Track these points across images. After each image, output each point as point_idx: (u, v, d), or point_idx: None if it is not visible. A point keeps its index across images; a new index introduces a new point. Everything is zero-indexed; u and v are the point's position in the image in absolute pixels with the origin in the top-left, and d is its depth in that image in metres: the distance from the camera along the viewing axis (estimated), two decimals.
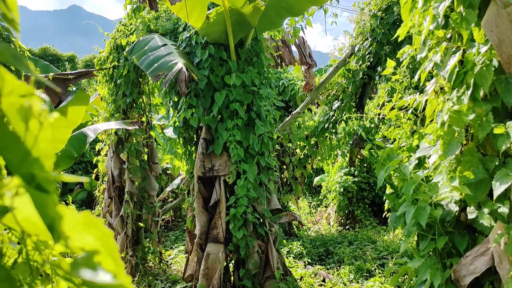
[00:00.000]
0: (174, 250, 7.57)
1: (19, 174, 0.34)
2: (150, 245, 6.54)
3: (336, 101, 6.79)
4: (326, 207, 12.80)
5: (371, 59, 6.02)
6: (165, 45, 4.35)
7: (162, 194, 8.65)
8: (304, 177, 7.79)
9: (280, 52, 6.26)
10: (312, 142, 7.48)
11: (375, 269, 5.65)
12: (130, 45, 5.12)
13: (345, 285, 5.24)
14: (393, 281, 2.59)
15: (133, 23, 5.75)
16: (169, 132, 10.16)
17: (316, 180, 11.88)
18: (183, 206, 10.97)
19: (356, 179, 11.09)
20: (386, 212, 9.71)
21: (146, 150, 6.63)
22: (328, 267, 6.09)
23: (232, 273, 4.56)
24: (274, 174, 4.81)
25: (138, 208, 6.48)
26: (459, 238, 1.87)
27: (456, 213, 1.92)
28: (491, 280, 1.84)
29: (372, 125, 9.08)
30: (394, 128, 2.57)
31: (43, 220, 0.34)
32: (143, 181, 6.49)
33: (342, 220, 10.79)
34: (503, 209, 1.61)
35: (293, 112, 7.13)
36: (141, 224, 6.36)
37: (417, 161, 2.03)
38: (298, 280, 5.41)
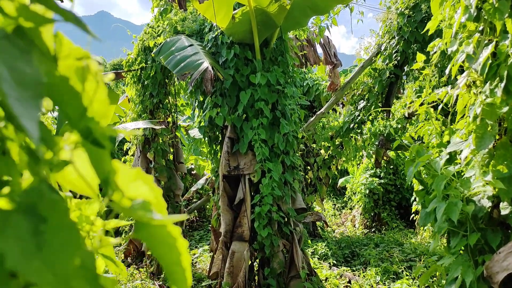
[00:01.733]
0: (199, 249, 7.64)
1: (77, 129, 0.37)
2: None
3: (362, 100, 6.71)
4: (351, 209, 12.64)
5: (398, 58, 5.92)
6: (191, 45, 4.42)
7: (187, 194, 8.77)
8: (329, 178, 7.73)
9: (305, 51, 6.24)
10: (337, 143, 7.42)
11: (402, 271, 5.54)
12: (157, 46, 5.23)
13: (372, 287, 5.16)
14: (422, 280, 2.54)
15: (160, 25, 5.87)
16: (194, 133, 10.29)
17: (340, 181, 11.75)
18: (208, 206, 11.07)
19: (382, 181, 10.90)
20: (413, 215, 9.53)
21: (171, 150, 6.75)
22: (354, 269, 6.02)
23: (257, 272, 4.56)
24: (299, 173, 4.79)
25: None
26: (492, 234, 1.82)
27: (489, 209, 1.87)
28: None
29: (399, 126, 8.92)
30: (424, 125, 2.53)
31: (98, 174, 0.36)
32: (168, 181, 6.60)
33: (367, 223, 10.63)
34: None
35: (318, 112, 7.10)
36: None
37: (448, 156, 1.99)
38: (323, 281, 5.36)
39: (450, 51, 1.99)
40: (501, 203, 1.79)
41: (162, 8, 6.28)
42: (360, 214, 10.92)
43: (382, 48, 6.20)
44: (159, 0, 6.30)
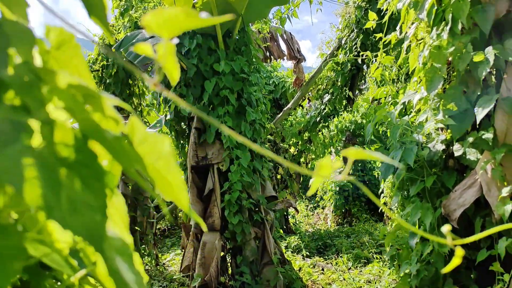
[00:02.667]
0: (171, 254, 7.49)
1: None
2: (146, 247, 6.47)
3: (327, 94, 6.85)
4: (323, 208, 12.77)
5: (358, 49, 6.11)
6: (152, 37, 4.39)
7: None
8: (300, 175, 7.79)
9: (268, 44, 6.33)
10: (305, 138, 7.52)
11: (373, 256, 5.64)
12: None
13: (344, 272, 5.21)
14: (388, 240, 2.59)
15: (121, 23, 5.81)
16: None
17: (311, 181, 11.85)
18: (180, 214, 10.89)
19: (351, 177, 11.08)
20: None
21: None
22: (327, 258, 6.06)
23: (229, 261, 4.52)
24: (268, 163, 4.82)
25: (132, 210, 6.43)
26: (447, 176, 1.89)
27: (443, 153, 1.94)
28: (483, 215, 1.86)
29: (364, 121, 9.15)
30: (380, 88, 2.61)
31: None
32: (136, 183, 6.45)
33: (339, 220, 10.76)
34: (488, 135, 1.63)
35: (285, 108, 7.18)
36: (136, 228, 6.29)
37: (402, 107, 2.06)
38: (297, 271, 5.36)
39: (398, 7, 2.07)
40: (454, 145, 1.87)
41: (122, 9, 6.22)
42: (332, 212, 11.05)
43: (343, 42, 6.38)
44: (119, 1, 6.24)
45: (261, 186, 4.61)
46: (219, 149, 4.41)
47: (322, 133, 7.96)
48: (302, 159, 7.74)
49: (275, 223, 4.82)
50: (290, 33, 6.63)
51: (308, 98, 7.52)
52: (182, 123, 4.79)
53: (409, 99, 1.99)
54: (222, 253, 4.48)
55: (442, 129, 1.99)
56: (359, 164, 11.55)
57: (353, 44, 6.21)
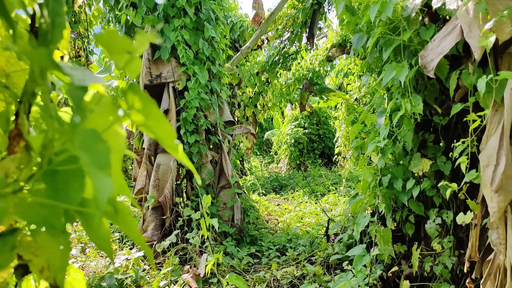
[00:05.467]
0: (121, 197, 7.19)
1: None
2: None
3: (286, 32, 6.67)
4: (277, 163, 12.86)
5: None
6: None
7: None
8: (256, 117, 7.67)
9: None
10: (263, 80, 7.35)
11: (329, 191, 5.70)
12: None
13: (300, 203, 5.22)
14: (352, 131, 2.51)
15: None
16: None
17: (267, 134, 11.85)
18: (130, 167, 10.45)
19: (306, 130, 11.21)
20: (336, 156, 9.88)
21: None
22: (283, 195, 6.06)
23: (185, 185, 4.33)
24: (226, 88, 4.61)
25: None
26: (425, 29, 1.79)
27: (421, 11, 1.84)
28: (459, 70, 1.79)
29: (322, 70, 9.13)
30: None
31: None
32: None
33: (292, 172, 10.91)
34: None
35: (243, 47, 6.92)
36: None
37: None
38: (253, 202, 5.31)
39: None
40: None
41: None
42: (287, 164, 11.15)
43: None
44: None
45: (219, 108, 4.42)
46: (175, 67, 4.13)
47: (279, 81, 7.84)
48: (259, 102, 7.60)
49: (232, 150, 4.67)
50: None
51: (267, 39, 7.30)
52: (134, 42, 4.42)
53: None
54: (177, 176, 4.29)
55: None
56: (315, 118, 11.67)
57: None
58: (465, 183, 1.88)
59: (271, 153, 13.45)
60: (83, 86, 0.34)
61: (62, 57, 0.77)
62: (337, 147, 9.43)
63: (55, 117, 0.35)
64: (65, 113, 0.50)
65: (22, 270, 0.45)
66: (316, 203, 5.15)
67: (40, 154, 0.38)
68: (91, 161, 0.32)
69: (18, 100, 0.44)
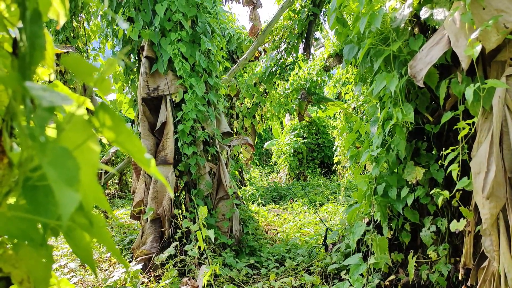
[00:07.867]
0: (121, 210, 7.18)
1: None
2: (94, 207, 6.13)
3: (283, 43, 6.73)
4: (277, 173, 12.86)
5: None
6: None
7: (105, 156, 8.17)
8: (254, 128, 7.70)
9: None
10: (261, 90, 7.40)
11: (328, 200, 5.69)
12: None
13: (299, 213, 5.22)
14: (348, 140, 2.53)
15: None
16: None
17: (266, 144, 11.87)
18: (130, 179, 10.49)
19: (305, 140, 11.24)
20: (335, 165, 9.89)
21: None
22: (282, 206, 6.06)
23: (184, 196, 4.34)
24: (223, 100, 4.65)
25: None
26: (414, 40, 1.82)
27: (410, 22, 1.87)
28: (448, 79, 1.81)
29: (319, 80, 9.20)
30: None
31: None
32: None
33: (292, 182, 10.91)
34: None
35: (240, 59, 6.98)
36: None
37: None
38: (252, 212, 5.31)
39: None
40: (422, 10, 1.79)
41: None
42: (286, 174, 11.16)
43: None
44: None
45: (217, 120, 4.45)
46: (172, 79, 4.17)
47: (277, 92, 7.90)
48: (257, 113, 7.64)
49: (231, 161, 4.69)
50: None
51: (264, 50, 7.37)
52: (132, 55, 4.48)
53: None
54: (176, 188, 4.30)
55: None
56: (314, 128, 11.70)
57: None
58: (458, 190, 1.89)
59: (271, 163, 13.46)
60: (50, 107, 0.36)
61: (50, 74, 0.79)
62: (336, 156, 9.45)
63: (27, 135, 0.37)
64: (52, 130, 0.52)
65: (5, 282, 0.47)
66: (315, 213, 5.14)
67: (18, 171, 0.40)
68: (57, 176, 0.34)
69: (2, 118, 0.47)
